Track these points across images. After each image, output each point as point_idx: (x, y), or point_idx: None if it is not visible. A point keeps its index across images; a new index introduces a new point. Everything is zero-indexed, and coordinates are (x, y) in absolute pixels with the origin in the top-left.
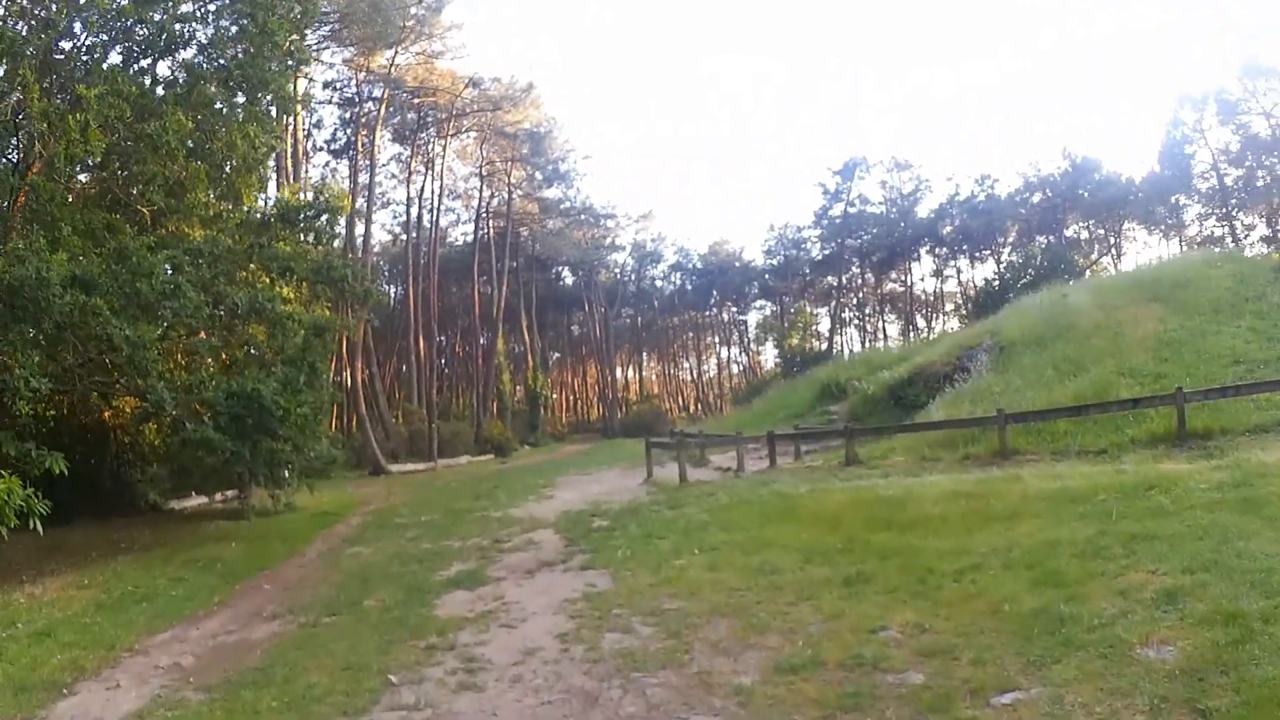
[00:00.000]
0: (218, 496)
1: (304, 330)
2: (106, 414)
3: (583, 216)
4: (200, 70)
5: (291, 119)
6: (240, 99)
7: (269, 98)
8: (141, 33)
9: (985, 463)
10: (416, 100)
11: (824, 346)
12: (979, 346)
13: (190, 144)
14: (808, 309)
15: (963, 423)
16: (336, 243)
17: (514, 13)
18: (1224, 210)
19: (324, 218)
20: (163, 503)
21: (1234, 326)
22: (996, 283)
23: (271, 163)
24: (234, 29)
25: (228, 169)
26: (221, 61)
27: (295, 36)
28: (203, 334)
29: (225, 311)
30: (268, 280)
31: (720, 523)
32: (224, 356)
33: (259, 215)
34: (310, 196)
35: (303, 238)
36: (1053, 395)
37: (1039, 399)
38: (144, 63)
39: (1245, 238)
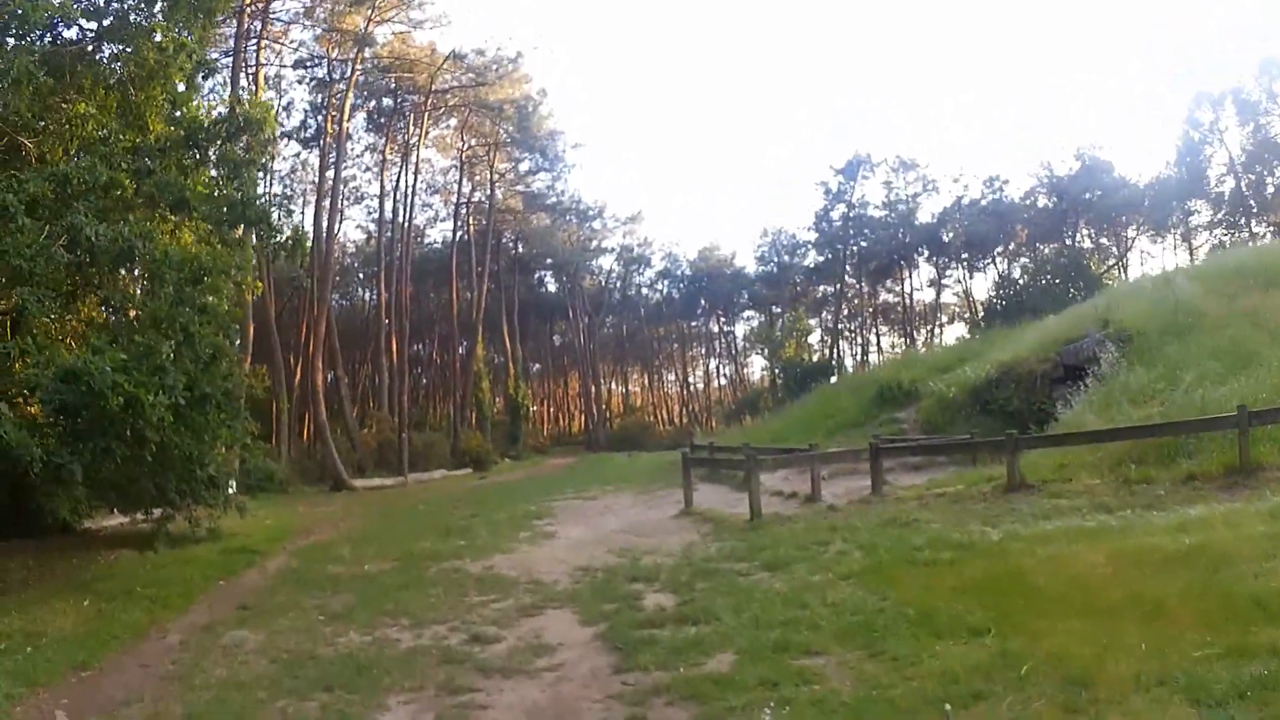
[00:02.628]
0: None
1: (175, 275)
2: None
3: (569, 216)
4: None
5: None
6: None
7: None
8: None
9: (1229, 484)
10: (392, 75)
11: (815, 358)
12: (1083, 339)
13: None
14: (805, 317)
15: (1190, 425)
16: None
17: None
18: (1234, 218)
19: (243, 139)
20: (76, 522)
21: None
22: (997, 294)
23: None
24: None
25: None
26: None
27: None
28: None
29: (83, 254)
30: (164, 223)
31: (902, 608)
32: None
33: (157, 140)
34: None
35: (215, 171)
36: (1246, 391)
37: (1232, 397)
38: None
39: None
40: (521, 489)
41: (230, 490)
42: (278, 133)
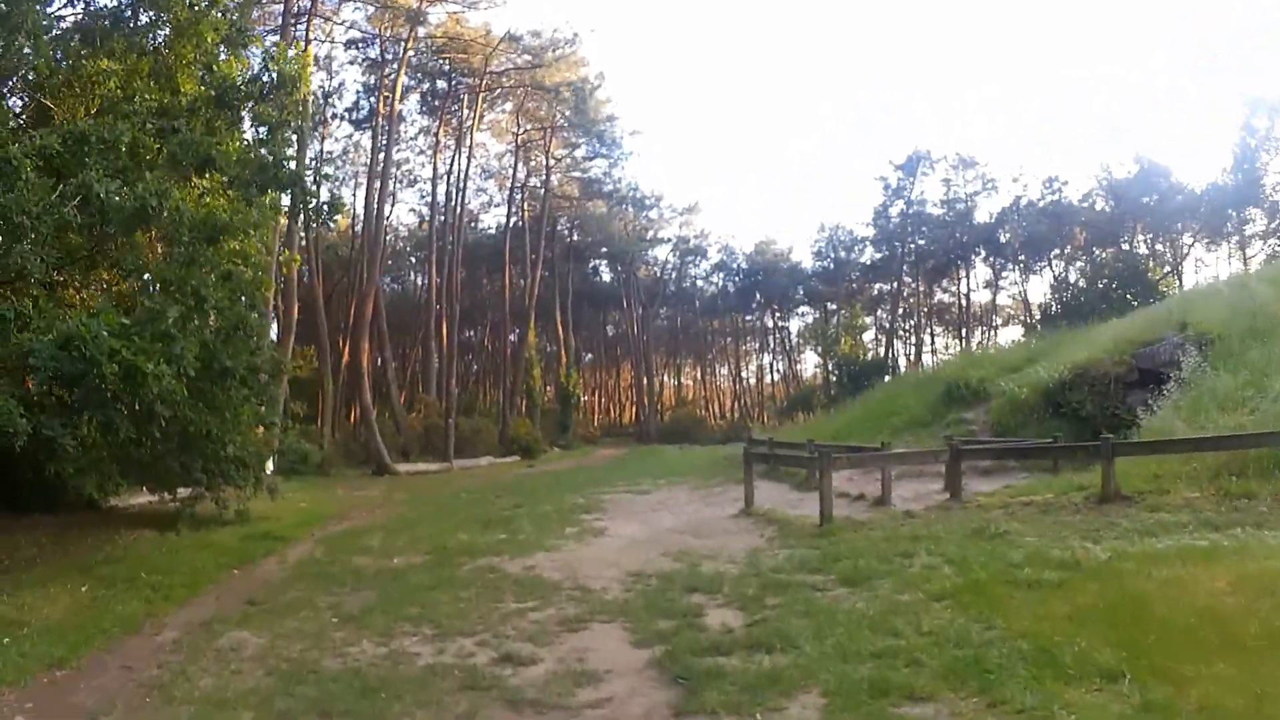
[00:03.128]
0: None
1: (189, 233)
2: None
3: (626, 205)
4: None
5: None
6: None
7: None
8: None
9: None
10: (446, 57)
11: (869, 356)
12: (1159, 342)
13: None
14: (862, 314)
15: None
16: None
17: None
18: None
19: (277, 98)
20: (103, 499)
21: None
22: (1054, 296)
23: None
24: None
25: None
26: None
27: None
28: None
29: (95, 214)
30: (190, 187)
31: (1014, 641)
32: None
33: (186, 100)
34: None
35: (249, 132)
36: None
37: None
38: None
39: None
40: (570, 479)
41: (268, 471)
42: (313, 90)
